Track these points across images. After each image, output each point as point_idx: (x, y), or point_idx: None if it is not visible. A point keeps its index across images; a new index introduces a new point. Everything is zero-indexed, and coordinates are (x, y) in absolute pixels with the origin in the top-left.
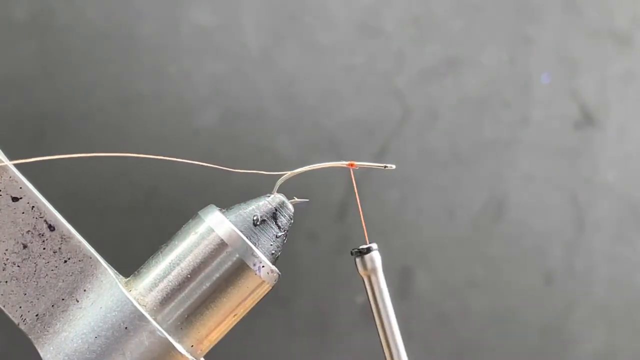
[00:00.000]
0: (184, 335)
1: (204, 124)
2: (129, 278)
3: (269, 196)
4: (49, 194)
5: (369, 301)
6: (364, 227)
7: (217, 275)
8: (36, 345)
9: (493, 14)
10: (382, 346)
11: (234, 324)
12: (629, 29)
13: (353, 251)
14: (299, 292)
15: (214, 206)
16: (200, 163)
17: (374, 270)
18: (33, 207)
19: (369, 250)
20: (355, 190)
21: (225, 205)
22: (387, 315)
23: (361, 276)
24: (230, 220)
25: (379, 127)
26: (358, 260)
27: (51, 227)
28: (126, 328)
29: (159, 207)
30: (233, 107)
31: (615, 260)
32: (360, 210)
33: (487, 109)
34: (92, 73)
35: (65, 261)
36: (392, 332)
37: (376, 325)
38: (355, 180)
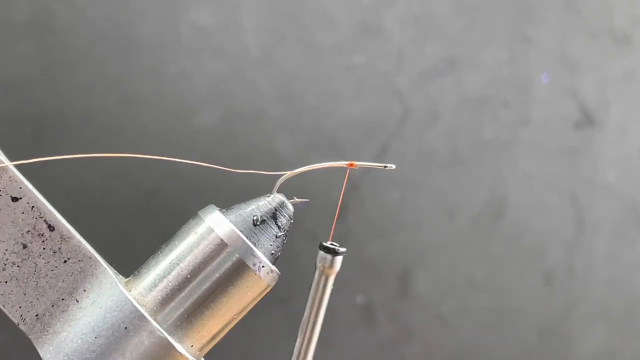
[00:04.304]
0: (184, 335)
1: (204, 124)
2: (129, 278)
3: (269, 196)
4: (49, 194)
5: (309, 295)
6: (334, 226)
7: (217, 275)
8: (36, 345)
9: (493, 14)
10: (295, 342)
11: (234, 324)
12: (629, 29)
13: (323, 246)
14: (299, 292)
15: (214, 206)
16: (200, 163)
17: (331, 272)
18: (33, 207)
19: (336, 252)
20: (342, 191)
21: (225, 205)
22: (317, 317)
23: (315, 269)
24: (230, 221)
25: (379, 127)
26: (325, 256)
27: (51, 227)
28: (126, 328)
29: (159, 207)
30: (233, 107)
31: (615, 260)
32: (338, 209)
33: (487, 109)
34: (92, 73)
35: (65, 261)
36: (312, 334)
37: (303, 319)
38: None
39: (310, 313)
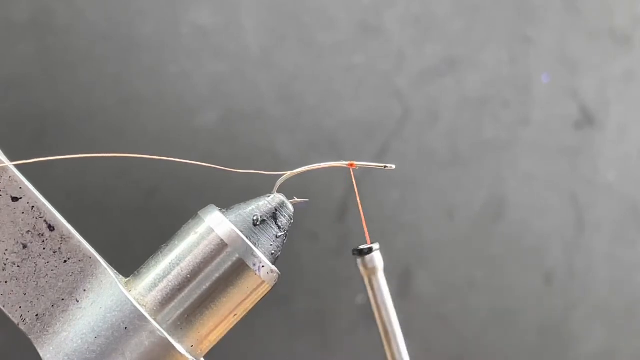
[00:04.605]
0: (184, 335)
1: (204, 124)
2: (129, 278)
3: (269, 196)
4: (49, 194)
5: (370, 300)
6: (365, 227)
7: (217, 275)
8: (36, 345)
9: (493, 14)
10: (383, 346)
11: (234, 324)
12: (629, 29)
13: (354, 250)
14: (299, 292)
15: (214, 206)
16: (200, 163)
17: (374, 270)
18: (33, 207)
19: (370, 250)
20: (356, 190)
21: (225, 205)
22: (388, 315)
23: (362, 275)
24: (230, 221)
25: (379, 127)
26: (359, 260)
27: (51, 227)
28: (126, 328)
29: (159, 207)
30: (233, 107)
31: (615, 260)
32: (360, 210)
33: (487, 109)
34: (92, 73)
35: (65, 261)
36: (394, 332)
37: (377, 324)
38: (355, 180)
39: (382, 317)
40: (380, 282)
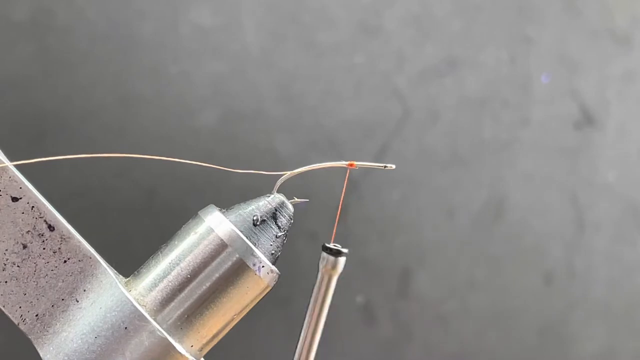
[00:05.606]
0: (184, 335)
1: (204, 124)
2: (128, 278)
3: (269, 196)
4: (49, 194)
5: (312, 296)
6: (335, 228)
7: (217, 275)
8: (36, 345)
9: (493, 14)
10: (297, 342)
11: (234, 324)
12: (629, 29)
13: (325, 246)
14: (299, 292)
15: (213, 206)
16: (200, 163)
17: (335, 273)
18: (33, 207)
19: (339, 253)
20: (343, 191)
21: (225, 205)
22: (321, 318)
23: (319, 270)
24: (230, 221)
25: (379, 127)
26: (328, 258)
27: (51, 227)
28: (126, 328)
29: (159, 207)
30: (233, 107)
31: (615, 260)
32: (339, 210)
33: (487, 109)
34: (92, 73)
35: (65, 261)
36: (316, 335)
37: (304, 320)
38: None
39: (312, 314)
40: (332, 285)
